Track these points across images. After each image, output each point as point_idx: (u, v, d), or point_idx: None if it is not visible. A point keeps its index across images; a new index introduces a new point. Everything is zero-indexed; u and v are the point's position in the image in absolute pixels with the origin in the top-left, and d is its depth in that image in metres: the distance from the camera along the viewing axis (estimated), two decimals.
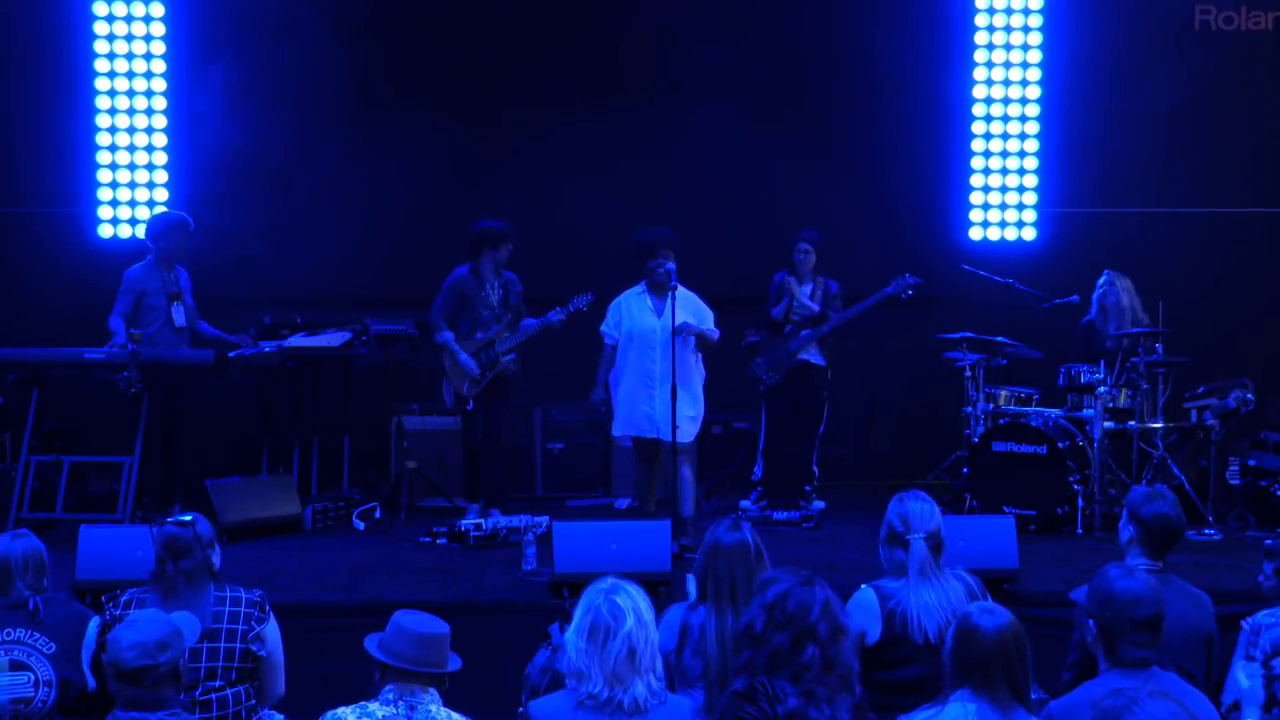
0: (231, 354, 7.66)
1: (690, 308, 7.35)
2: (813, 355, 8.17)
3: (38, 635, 4.28)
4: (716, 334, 7.50)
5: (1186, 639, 4.14)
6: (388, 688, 3.66)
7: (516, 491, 8.21)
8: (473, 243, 7.70)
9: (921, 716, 3.39)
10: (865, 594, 4.27)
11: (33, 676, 4.23)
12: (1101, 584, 3.68)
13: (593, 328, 7.86)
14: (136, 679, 3.51)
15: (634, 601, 3.54)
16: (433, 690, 3.68)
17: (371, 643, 3.74)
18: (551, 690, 4.22)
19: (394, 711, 3.59)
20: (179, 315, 7.66)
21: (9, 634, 4.28)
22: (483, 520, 7.28)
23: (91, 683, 4.31)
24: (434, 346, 7.82)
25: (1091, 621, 3.65)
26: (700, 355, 7.53)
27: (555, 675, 4.55)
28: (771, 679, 3.34)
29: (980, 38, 9.39)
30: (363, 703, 3.64)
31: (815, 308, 8.11)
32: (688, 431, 7.27)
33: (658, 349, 7.31)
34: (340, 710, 3.61)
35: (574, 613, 3.57)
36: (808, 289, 8.18)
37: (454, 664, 3.78)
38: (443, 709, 3.66)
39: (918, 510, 4.31)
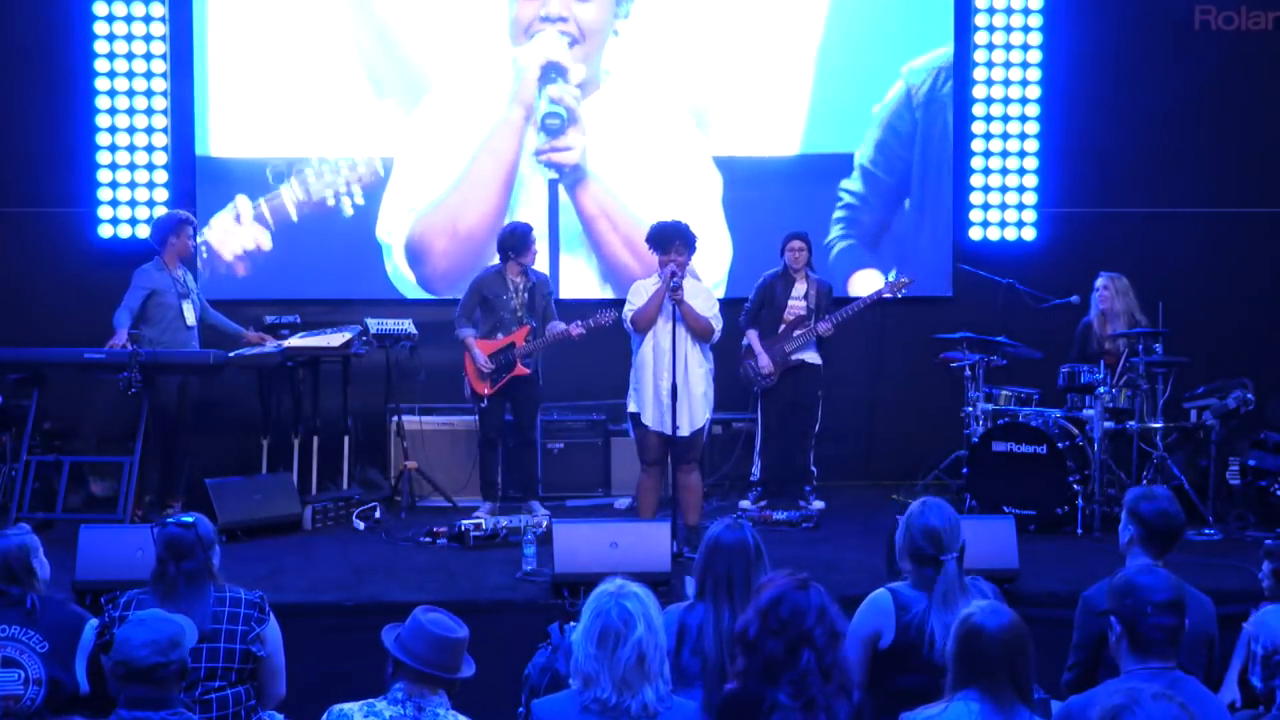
0: (231, 353, 7.67)
1: (698, 300, 7.01)
2: (810, 354, 8.15)
3: (32, 633, 4.24)
4: (711, 326, 6.99)
5: (1188, 640, 4.12)
6: (398, 685, 3.62)
7: (516, 491, 8.21)
8: (499, 246, 7.83)
9: (924, 716, 3.39)
10: (882, 596, 4.18)
11: (23, 674, 4.19)
12: (1120, 580, 3.66)
13: (593, 332, 7.86)
14: (147, 677, 3.50)
15: (644, 606, 3.50)
16: (442, 693, 3.65)
17: (389, 635, 3.69)
18: (551, 690, 4.22)
19: (401, 711, 3.56)
20: (190, 312, 7.68)
21: (3, 630, 4.24)
22: (483, 520, 7.28)
23: (84, 685, 4.26)
24: (455, 342, 7.92)
25: (1114, 619, 3.59)
26: (708, 350, 7.10)
27: (555, 675, 4.54)
28: (769, 688, 3.31)
29: (980, 38, 9.39)
30: (370, 700, 3.61)
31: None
32: (692, 421, 6.93)
33: (668, 339, 6.85)
34: (347, 706, 3.58)
35: (582, 615, 3.54)
36: (801, 288, 8.16)
37: (468, 669, 3.74)
38: (450, 711, 3.63)
39: (949, 530, 4.13)
